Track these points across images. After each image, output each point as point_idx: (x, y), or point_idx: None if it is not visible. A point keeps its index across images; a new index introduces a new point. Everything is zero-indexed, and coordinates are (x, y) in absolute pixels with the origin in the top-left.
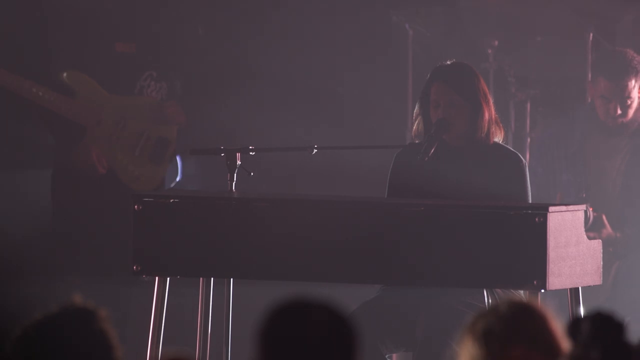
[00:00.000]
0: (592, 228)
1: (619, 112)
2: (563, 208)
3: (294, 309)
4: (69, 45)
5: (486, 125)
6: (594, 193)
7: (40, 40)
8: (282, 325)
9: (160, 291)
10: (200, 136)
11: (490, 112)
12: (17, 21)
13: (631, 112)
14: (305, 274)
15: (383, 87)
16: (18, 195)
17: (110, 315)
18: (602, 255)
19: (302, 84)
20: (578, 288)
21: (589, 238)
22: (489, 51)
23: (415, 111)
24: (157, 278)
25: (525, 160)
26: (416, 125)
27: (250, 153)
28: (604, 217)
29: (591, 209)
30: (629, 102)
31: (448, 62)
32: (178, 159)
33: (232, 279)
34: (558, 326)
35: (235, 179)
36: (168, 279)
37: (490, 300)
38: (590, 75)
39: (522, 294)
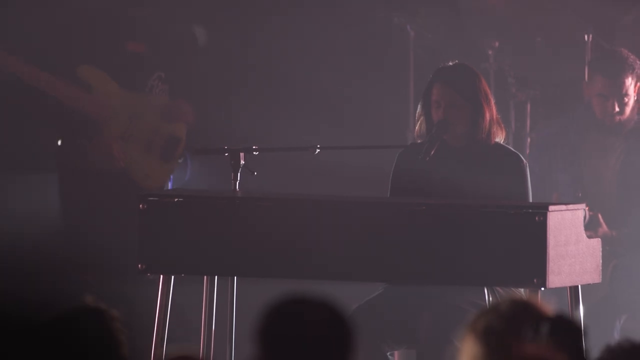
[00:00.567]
0: (588, 227)
1: (617, 109)
2: (563, 207)
3: (291, 307)
4: (84, 41)
5: (487, 125)
6: (590, 192)
7: (57, 35)
8: (279, 322)
9: (165, 289)
10: (205, 136)
11: (491, 113)
12: (35, 16)
13: (628, 109)
14: (308, 272)
15: (385, 88)
16: (28, 196)
17: (121, 315)
18: (601, 254)
19: (305, 85)
20: (578, 286)
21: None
22: (490, 52)
23: (417, 111)
24: (161, 276)
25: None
26: (418, 126)
27: (254, 153)
28: (599, 216)
29: (587, 208)
30: (626, 99)
31: (450, 63)
32: (188, 158)
33: (235, 277)
34: None
35: (239, 179)
36: (172, 277)
37: (491, 299)
38: (587, 75)
39: (522, 292)
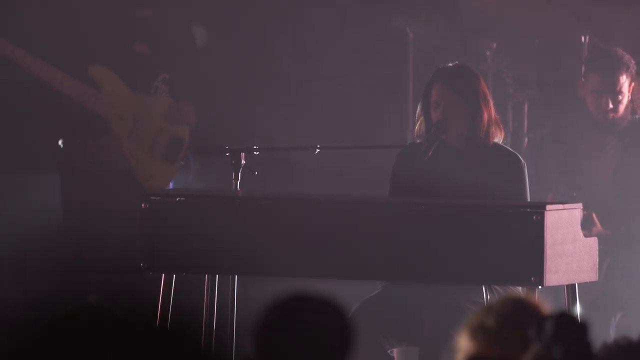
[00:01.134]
0: (583, 226)
1: (611, 106)
2: (560, 207)
3: (292, 305)
4: (92, 42)
5: (485, 125)
6: (585, 192)
7: (65, 34)
8: (280, 320)
9: (166, 288)
10: (207, 136)
11: (489, 113)
12: (43, 15)
13: (622, 107)
14: (309, 271)
15: (384, 88)
16: (29, 196)
17: (122, 314)
18: (597, 253)
19: (306, 86)
20: (574, 284)
21: None
22: (488, 53)
23: (417, 112)
24: (163, 275)
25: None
26: (418, 126)
27: (255, 153)
28: (593, 216)
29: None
30: (620, 97)
31: (450, 64)
32: (190, 159)
33: (236, 276)
34: None
35: (239, 178)
36: (174, 276)
37: (489, 297)
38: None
39: (520, 290)
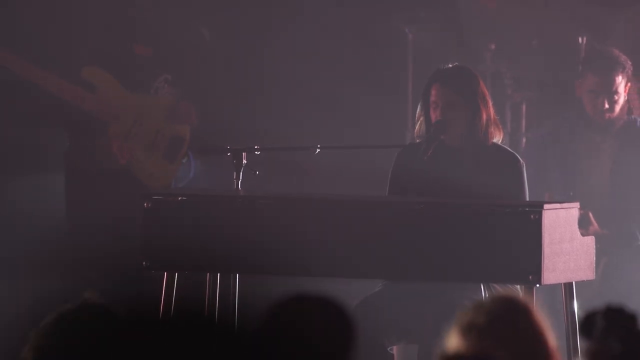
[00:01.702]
0: (580, 225)
1: (607, 106)
2: (557, 206)
3: (294, 304)
4: (90, 43)
5: (484, 125)
6: (582, 191)
7: (63, 36)
8: (282, 319)
9: (168, 287)
10: (209, 136)
11: (488, 113)
12: (42, 17)
13: (617, 108)
14: (309, 270)
15: (384, 89)
16: (33, 196)
17: (123, 311)
18: (594, 251)
19: (307, 87)
20: (572, 283)
21: None
22: (487, 54)
23: (417, 112)
24: (165, 274)
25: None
26: (418, 126)
27: (256, 153)
28: (590, 215)
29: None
30: (616, 97)
31: (449, 65)
32: (191, 157)
33: (238, 275)
34: (543, 321)
35: (241, 178)
36: (176, 274)
37: (487, 295)
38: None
39: (518, 289)
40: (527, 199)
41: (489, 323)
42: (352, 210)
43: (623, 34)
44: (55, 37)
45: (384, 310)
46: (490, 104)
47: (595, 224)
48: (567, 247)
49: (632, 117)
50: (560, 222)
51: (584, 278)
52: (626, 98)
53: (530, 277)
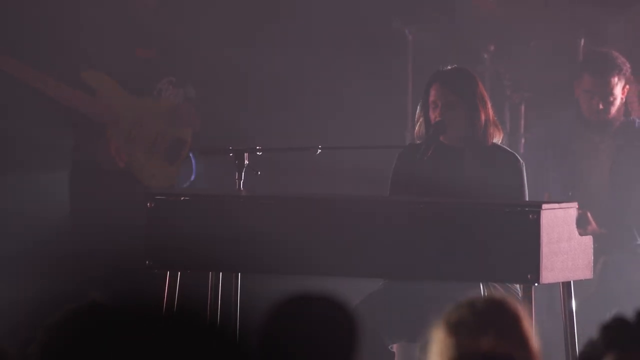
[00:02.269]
0: (578, 225)
1: (601, 107)
2: (555, 205)
3: (296, 302)
4: (92, 46)
5: (483, 126)
6: (580, 191)
7: (64, 39)
8: (286, 318)
9: (171, 286)
10: (211, 137)
11: (487, 114)
12: (42, 20)
13: (613, 109)
14: (310, 269)
15: (384, 90)
16: (37, 195)
17: (126, 311)
18: (592, 251)
19: (307, 88)
20: (570, 282)
21: None
22: (486, 55)
23: (417, 113)
24: (168, 273)
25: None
26: (418, 127)
27: (258, 153)
28: (588, 214)
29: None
30: (611, 98)
31: (449, 67)
32: (192, 159)
33: (239, 274)
34: (529, 324)
35: (243, 178)
36: (179, 273)
37: (486, 294)
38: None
39: (517, 288)
40: (527, 199)
41: (476, 323)
42: (353, 210)
43: (623, 35)
44: (54, 40)
45: (384, 309)
46: (489, 104)
47: (594, 224)
48: (565, 246)
49: (631, 118)
50: (559, 222)
51: (582, 277)
52: (623, 100)
53: (528, 276)
